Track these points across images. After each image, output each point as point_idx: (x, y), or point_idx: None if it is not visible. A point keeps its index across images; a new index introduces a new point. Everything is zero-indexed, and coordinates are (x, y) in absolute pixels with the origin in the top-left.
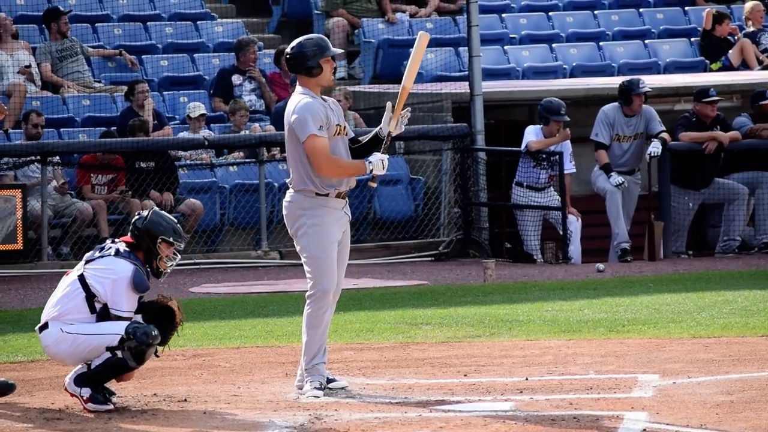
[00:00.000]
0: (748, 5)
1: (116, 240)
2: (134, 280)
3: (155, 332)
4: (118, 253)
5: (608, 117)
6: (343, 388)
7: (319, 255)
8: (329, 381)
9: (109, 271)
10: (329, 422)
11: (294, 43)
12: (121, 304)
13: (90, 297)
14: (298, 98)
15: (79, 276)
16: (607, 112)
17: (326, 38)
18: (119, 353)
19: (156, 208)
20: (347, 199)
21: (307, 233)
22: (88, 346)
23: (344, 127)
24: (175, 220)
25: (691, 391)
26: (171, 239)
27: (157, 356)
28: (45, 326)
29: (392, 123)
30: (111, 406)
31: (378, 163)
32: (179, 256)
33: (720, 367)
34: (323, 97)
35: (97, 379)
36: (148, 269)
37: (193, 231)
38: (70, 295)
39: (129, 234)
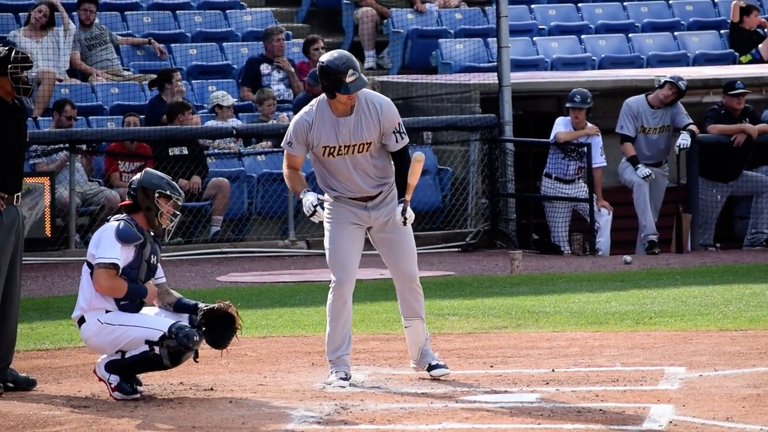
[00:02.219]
0: None
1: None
2: (118, 229)
3: (197, 337)
4: (107, 221)
5: (632, 109)
6: (441, 375)
7: (330, 248)
8: (431, 368)
9: (96, 234)
10: (355, 412)
11: (323, 58)
12: (104, 251)
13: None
14: (304, 108)
15: (86, 261)
16: (630, 104)
17: (348, 68)
18: (157, 349)
19: (148, 168)
20: (376, 199)
21: (326, 227)
22: (129, 337)
23: (354, 146)
24: (170, 177)
25: (717, 384)
26: (168, 192)
27: (196, 361)
28: (82, 320)
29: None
30: (137, 395)
31: (306, 202)
32: (180, 214)
33: (747, 359)
34: (362, 106)
35: (128, 370)
36: (151, 232)
37: (225, 210)
38: (84, 281)
39: (127, 197)
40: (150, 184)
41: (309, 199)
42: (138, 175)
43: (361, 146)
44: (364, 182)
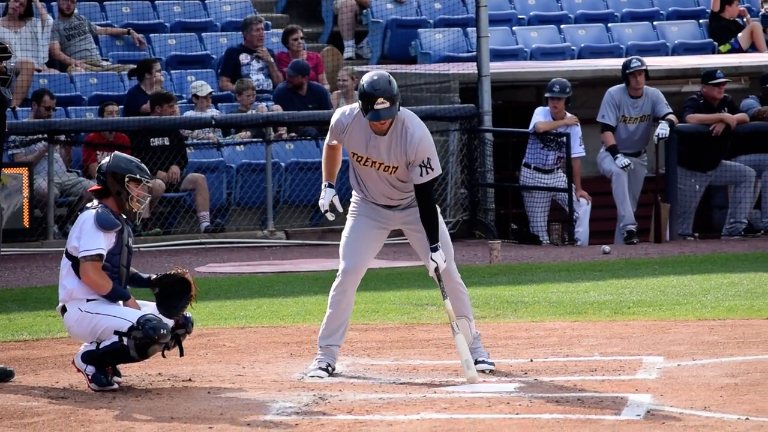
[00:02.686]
0: None
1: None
2: (97, 217)
3: (164, 331)
4: (82, 210)
5: (614, 99)
6: (486, 371)
7: (345, 237)
8: (476, 362)
9: (75, 224)
10: (333, 402)
11: (365, 78)
12: (88, 243)
13: (76, 264)
14: (349, 106)
15: (65, 251)
16: (613, 93)
17: (378, 96)
18: (125, 340)
19: (116, 152)
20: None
21: (348, 218)
22: (103, 326)
23: (381, 164)
24: (138, 160)
25: (695, 374)
26: (138, 176)
27: (164, 356)
28: (64, 309)
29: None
30: (114, 386)
31: (321, 200)
32: (150, 196)
33: (725, 349)
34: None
35: (101, 361)
36: (123, 216)
37: (208, 204)
38: (64, 272)
39: (96, 182)
40: (119, 169)
41: (324, 197)
42: (106, 159)
43: (387, 168)
44: (390, 194)
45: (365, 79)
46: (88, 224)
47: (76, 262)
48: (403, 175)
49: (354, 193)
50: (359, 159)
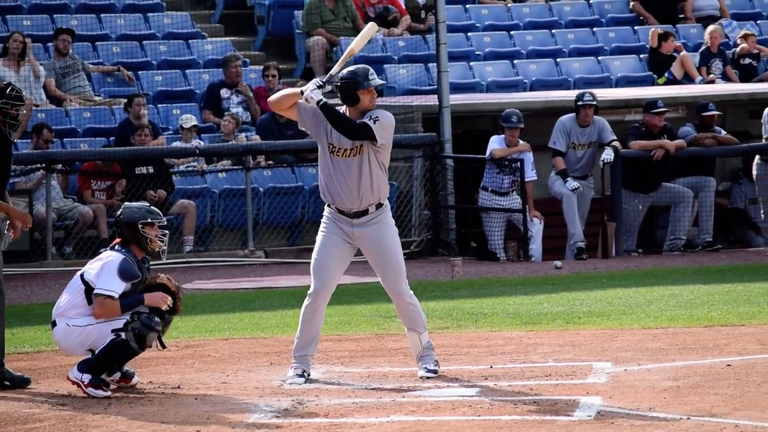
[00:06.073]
0: (710, 27)
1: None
2: (121, 265)
3: (157, 319)
4: (112, 248)
5: (565, 126)
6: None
7: (315, 257)
8: (421, 369)
9: (101, 260)
10: (310, 407)
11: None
12: (106, 283)
13: (88, 291)
14: None
15: (80, 274)
16: (564, 122)
17: (367, 69)
18: (123, 334)
19: (125, 203)
20: (363, 218)
21: (317, 238)
22: (96, 333)
23: (347, 150)
24: (147, 204)
25: (641, 378)
26: (149, 219)
27: (163, 347)
28: (54, 324)
29: (334, 69)
30: (109, 393)
31: (308, 87)
32: (167, 233)
33: (667, 355)
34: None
35: (100, 364)
36: (146, 258)
37: (194, 229)
38: (72, 292)
39: (116, 237)
40: (131, 219)
41: (309, 86)
42: (118, 213)
43: (353, 151)
44: (354, 190)
45: (350, 69)
46: (112, 268)
47: (89, 288)
48: (366, 156)
49: (325, 211)
50: (332, 150)
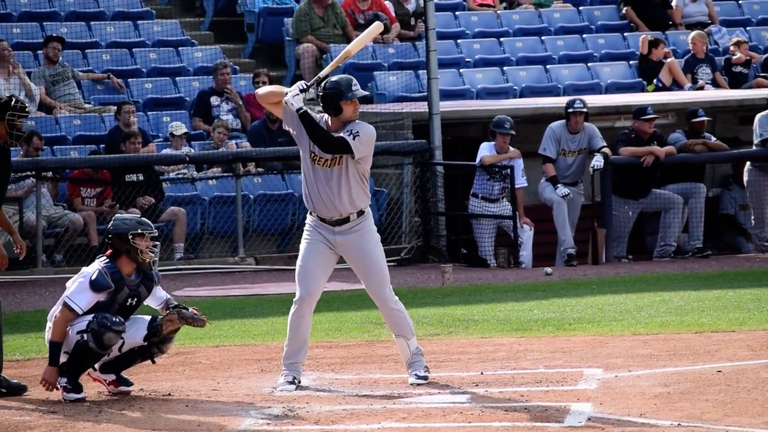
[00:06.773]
0: (692, 33)
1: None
2: (93, 279)
3: (117, 319)
4: (99, 260)
5: (555, 133)
6: (411, 383)
7: (299, 265)
8: (411, 375)
9: (82, 272)
10: (301, 413)
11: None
12: (75, 296)
13: None
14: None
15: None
16: (554, 128)
17: (350, 80)
18: (85, 336)
19: (117, 215)
20: (344, 225)
21: (301, 246)
22: (69, 337)
23: (327, 160)
24: (138, 216)
25: (631, 384)
26: (140, 231)
27: (153, 362)
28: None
29: (326, 70)
30: (83, 395)
31: (291, 92)
32: (158, 244)
33: (657, 361)
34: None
35: (72, 368)
36: (133, 275)
37: (185, 236)
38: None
39: (108, 248)
40: (122, 230)
41: (293, 90)
42: (109, 225)
43: (333, 161)
44: (334, 199)
45: (334, 79)
46: (85, 280)
47: None
48: (345, 167)
49: (307, 219)
50: (313, 158)
